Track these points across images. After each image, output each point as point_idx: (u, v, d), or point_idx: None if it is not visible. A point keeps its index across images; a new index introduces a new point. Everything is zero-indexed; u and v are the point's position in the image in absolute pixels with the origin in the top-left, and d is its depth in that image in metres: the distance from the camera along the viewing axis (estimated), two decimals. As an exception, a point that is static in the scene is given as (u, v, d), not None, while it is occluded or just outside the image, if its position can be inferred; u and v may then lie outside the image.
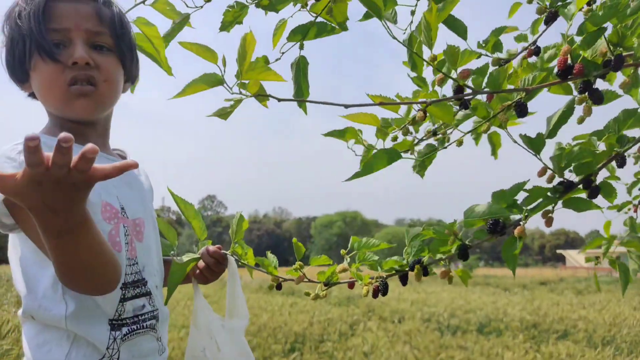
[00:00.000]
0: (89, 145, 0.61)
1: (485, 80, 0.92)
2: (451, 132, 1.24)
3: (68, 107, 0.98)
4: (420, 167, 1.07)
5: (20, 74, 1.01)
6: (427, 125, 1.26)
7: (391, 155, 0.86)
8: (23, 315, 0.97)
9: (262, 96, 0.78)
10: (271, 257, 1.28)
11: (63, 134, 0.59)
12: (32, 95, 1.05)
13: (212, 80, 0.82)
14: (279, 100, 0.79)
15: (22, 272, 0.96)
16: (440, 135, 1.23)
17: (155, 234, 1.14)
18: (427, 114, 1.03)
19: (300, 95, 0.98)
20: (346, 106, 0.78)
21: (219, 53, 0.89)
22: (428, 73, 1.17)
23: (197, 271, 1.25)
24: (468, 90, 0.92)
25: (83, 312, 0.93)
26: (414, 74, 1.09)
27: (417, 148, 1.15)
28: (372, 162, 0.88)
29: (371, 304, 11.25)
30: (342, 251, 1.19)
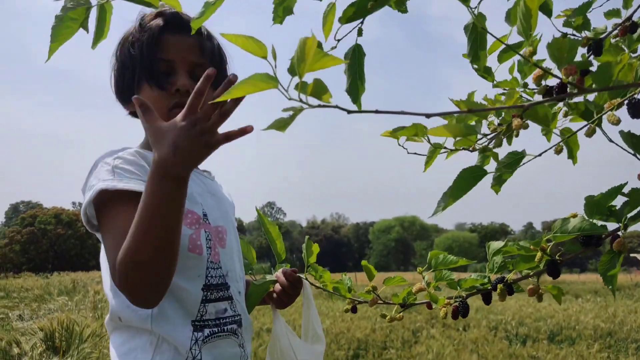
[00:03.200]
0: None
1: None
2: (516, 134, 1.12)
3: None
4: (498, 180, 0.96)
5: (127, 95, 1.11)
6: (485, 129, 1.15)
7: (476, 174, 0.81)
8: (111, 320, 1.02)
9: (326, 106, 0.67)
10: (346, 280, 1.26)
11: (232, 75, 0.74)
12: (132, 114, 1.15)
13: (264, 81, 0.65)
14: (349, 112, 0.69)
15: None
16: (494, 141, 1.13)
17: (237, 244, 1.18)
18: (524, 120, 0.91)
19: (355, 90, 0.86)
20: (427, 115, 0.66)
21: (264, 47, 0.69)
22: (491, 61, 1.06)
23: (275, 295, 1.27)
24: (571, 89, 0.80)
25: (167, 312, 0.96)
26: (476, 66, 0.96)
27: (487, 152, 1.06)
28: (458, 186, 0.81)
29: (434, 311, 10.99)
30: (419, 269, 1.15)
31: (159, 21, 1.07)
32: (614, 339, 7.73)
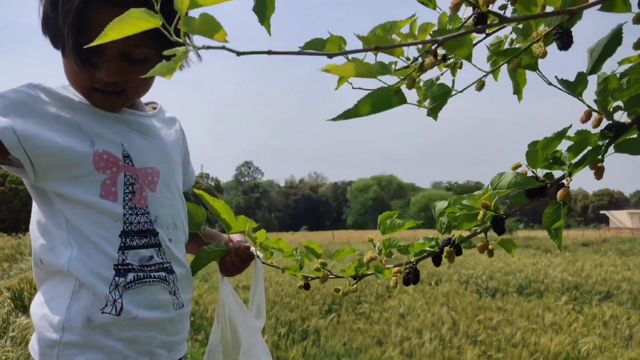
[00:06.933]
0: None
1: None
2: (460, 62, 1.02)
3: (90, 100, 0.97)
4: (433, 110, 0.87)
5: (53, 36, 0.93)
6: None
7: (392, 98, 0.68)
8: (34, 266, 0.97)
9: (212, 47, 0.53)
10: (296, 255, 1.20)
11: None
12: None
13: (144, 19, 0.52)
14: (238, 54, 0.55)
15: (37, 223, 0.97)
16: (451, 61, 1.02)
17: (176, 187, 1.09)
18: (438, 58, 0.81)
19: (262, 9, 0.69)
20: (329, 56, 0.57)
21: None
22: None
23: (224, 264, 1.21)
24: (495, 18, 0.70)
25: (86, 257, 0.91)
26: None
27: (422, 79, 0.96)
28: (364, 102, 0.69)
29: (408, 266, 11.21)
30: (369, 237, 1.09)
31: None
32: (580, 292, 8.01)
